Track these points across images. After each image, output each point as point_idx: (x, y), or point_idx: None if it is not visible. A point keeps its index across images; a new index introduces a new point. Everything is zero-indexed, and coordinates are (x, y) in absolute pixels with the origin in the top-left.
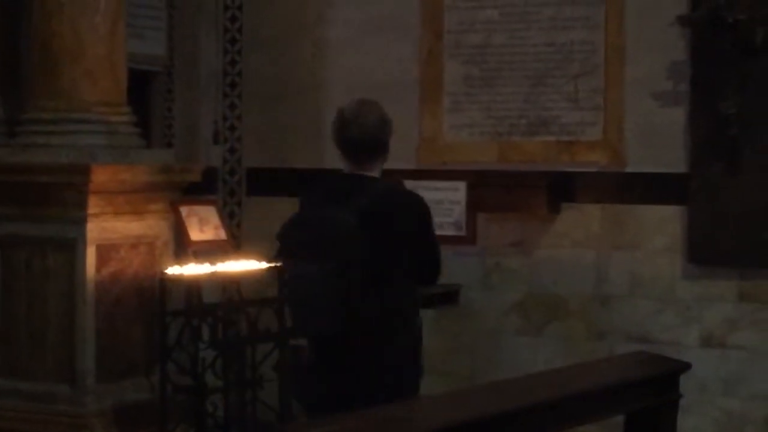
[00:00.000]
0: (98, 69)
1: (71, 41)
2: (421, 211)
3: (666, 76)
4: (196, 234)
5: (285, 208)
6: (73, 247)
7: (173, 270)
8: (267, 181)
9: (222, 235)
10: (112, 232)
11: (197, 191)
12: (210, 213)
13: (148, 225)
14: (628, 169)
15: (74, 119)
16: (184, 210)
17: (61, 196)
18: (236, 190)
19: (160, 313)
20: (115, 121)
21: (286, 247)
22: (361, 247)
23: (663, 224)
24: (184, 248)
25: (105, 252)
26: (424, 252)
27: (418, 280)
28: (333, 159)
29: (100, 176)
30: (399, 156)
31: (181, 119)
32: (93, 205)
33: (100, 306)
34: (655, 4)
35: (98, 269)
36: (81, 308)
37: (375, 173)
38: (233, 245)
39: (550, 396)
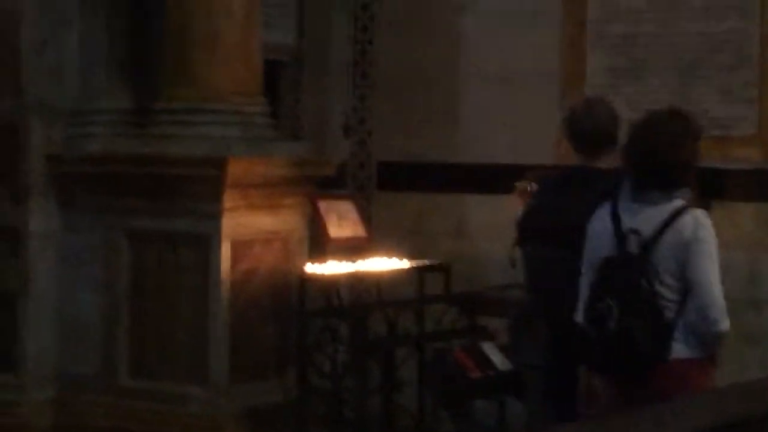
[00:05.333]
0: (233, 57)
1: (206, 27)
2: None
3: None
4: (335, 230)
5: (417, 204)
6: (207, 243)
7: (313, 268)
8: (398, 176)
9: (361, 231)
10: (246, 227)
11: (325, 185)
12: (348, 208)
13: (283, 220)
14: None
15: (208, 109)
16: (322, 205)
17: (195, 189)
18: (366, 184)
19: (300, 313)
20: (250, 111)
21: (525, 233)
22: None
23: None
24: (319, 244)
25: (239, 248)
26: None
27: None
28: (468, 153)
29: (236, 169)
30: (537, 151)
31: (310, 111)
32: (228, 199)
33: (234, 304)
34: None
35: (232, 266)
36: (214, 306)
37: (605, 165)
38: (372, 242)
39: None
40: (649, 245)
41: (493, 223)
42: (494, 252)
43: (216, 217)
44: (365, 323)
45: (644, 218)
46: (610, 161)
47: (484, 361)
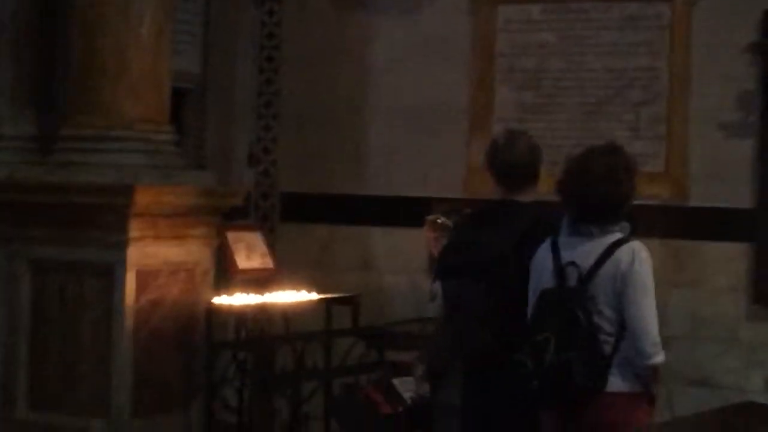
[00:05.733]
0: (141, 84)
1: (114, 54)
2: None
3: (734, 107)
4: (243, 261)
5: (322, 235)
6: (111, 273)
7: (221, 299)
8: (303, 207)
9: (269, 263)
10: (152, 258)
11: (228, 215)
12: (256, 239)
13: (189, 251)
14: (691, 204)
15: (115, 137)
16: (231, 235)
17: (101, 218)
18: (269, 215)
19: (206, 346)
20: (158, 139)
21: (445, 267)
22: (511, 270)
23: (727, 262)
24: (226, 275)
25: (144, 278)
26: None
27: None
28: (375, 185)
29: (144, 198)
30: (445, 185)
31: (215, 140)
32: (134, 228)
33: (138, 336)
34: (724, 30)
35: (137, 296)
36: (118, 337)
37: (526, 199)
38: (280, 274)
39: None
40: (586, 278)
41: (399, 256)
42: (400, 284)
43: (121, 246)
44: (272, 356)
45: (582, 251)
46: (531, 194)
47: (394, 397)
